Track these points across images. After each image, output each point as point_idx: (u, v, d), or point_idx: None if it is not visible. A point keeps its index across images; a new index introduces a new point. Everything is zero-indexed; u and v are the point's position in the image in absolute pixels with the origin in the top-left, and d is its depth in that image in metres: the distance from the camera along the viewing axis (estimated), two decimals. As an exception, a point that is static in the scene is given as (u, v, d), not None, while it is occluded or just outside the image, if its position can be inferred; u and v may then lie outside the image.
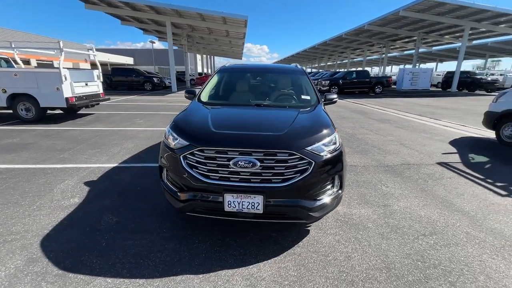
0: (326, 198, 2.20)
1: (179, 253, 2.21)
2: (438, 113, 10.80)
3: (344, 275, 2.00)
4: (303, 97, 3.37)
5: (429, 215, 2.88)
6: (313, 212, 2.14)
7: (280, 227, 2.59)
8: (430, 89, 26.67)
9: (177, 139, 2.30)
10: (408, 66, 41.33)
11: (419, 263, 2.14)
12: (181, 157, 2.17)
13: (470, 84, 24.53)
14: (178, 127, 2.42)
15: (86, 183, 3.53)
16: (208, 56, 45.58)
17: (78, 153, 4.79)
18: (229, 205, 2.06)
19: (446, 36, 27.59)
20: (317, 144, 2.15)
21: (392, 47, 34.77)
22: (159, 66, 46.27)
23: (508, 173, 4.23)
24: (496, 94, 6.61)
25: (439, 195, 3.39)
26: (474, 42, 30.43)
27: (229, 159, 2.05)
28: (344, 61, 57.83)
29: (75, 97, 7.54)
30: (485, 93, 23.41)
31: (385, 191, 3.48)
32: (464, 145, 5.88)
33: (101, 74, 9.01)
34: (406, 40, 31.24)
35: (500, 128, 6.14)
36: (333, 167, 2.20)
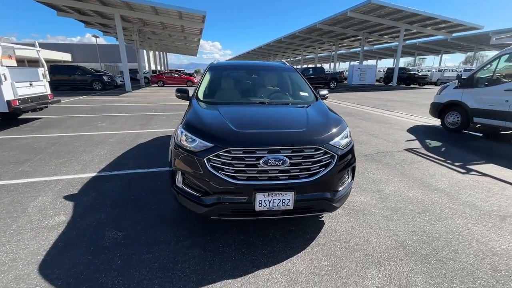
0: (344, 189, 2.33)
1: (208, 259, 2.12)
2: (389, 105, 12.10)
3: (370, 257, 2.16)
4: (301, 93, 3.47)
5: (416, 196, 3.27)
6: (336, 203, 2.26)
7: (296, 221, 2.66)
8: (375, 83, 29.60)
9: (195, 141, 2.18)
10: (353, 63, 45.21)
11: (424, 237, 2.43)
12: (205, 159, 2.07)
13: (406, 79, 27.96)
14: (195, 128, 2.28)
15: (67, 198, 3.10)
16: (160, 52, 43.03)
17: (40, 165, 4.14)
18: (260, 205, 2.04)
19: (385, 36, 30.85)
20: (337, 138, 2.26)
21: (340, 45, 37.50)
22: (105, 63, 42.00)
23: (459, 154, 5.00)
24: (434, 87, 7.70)
25: (417, 177, 3.85)
26: (407, 42, 34.62)
27: (258, 158, 2.03)
28: (297, 58, 60.35)
29: (19, 99, 6.46)
30: (418, 86, 26.94)
31: (373, 178, 3.81)
32: (419, 132, 6.73)
33: (47, 72, 7.87)
34: (353, 39, 34.02)
35: (444, 116, 7.19)
36: (350, 159, 2.34)
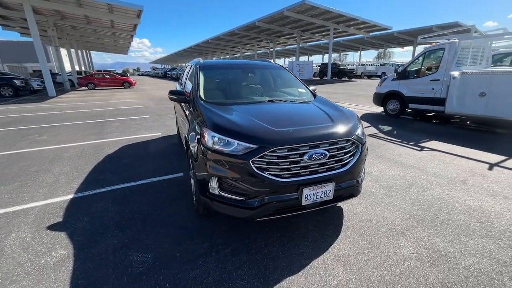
0: (364, 173, 2.60)
1: (259, 262, 2.10)
2: (333, 97, 13.40)
3: (394, 230, 2.48)
4: (299, 90, 3.61)
5: (398, 173, 3.82)
6: (360, 187, 2.50)
7: (319, 211, 2.82)
8: (312, 78, 32.20)
9: (232, 143, 2.10)
10: (289, 59, 48.09)
11: (422, 206, 2.90)
12: (250, 162, 2.02)
13: (338, 73, 31.27)
14: (228, 130, 2.18)
15: (53, 228, 2.57)
16: (83, 51, 37.50)
17: (-14, 195, 3.28)
18: (306, 199, 2.12)
19: (317, 35, 33.73)
20: (358, 130, 2.48)
21: (277, 42, 39.36)
22: (7, 63, 34.27)
23: (407, 135, 5.98)
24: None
25: (389, 157, 4.48)
26: (334, 40, 38.56)
27: (301, 155, 2.10)
28: (236, 55, 60.78)
29: None
30: (347, 79, 30.46)
31: (357, 162, 4.27)
32: (370, 119, 7.73)
33: None
34: (288, 36, 36.15)
35: (386, 104, 8.42)
36: (366, 147, 2.61)
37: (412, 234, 2.41)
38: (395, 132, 6.29)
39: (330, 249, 2.24)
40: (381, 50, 59.44)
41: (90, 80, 21.33)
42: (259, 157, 2.04)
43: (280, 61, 78.59)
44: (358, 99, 12.41)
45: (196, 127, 2.52)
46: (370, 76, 33.88)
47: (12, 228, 2.58)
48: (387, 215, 2.73)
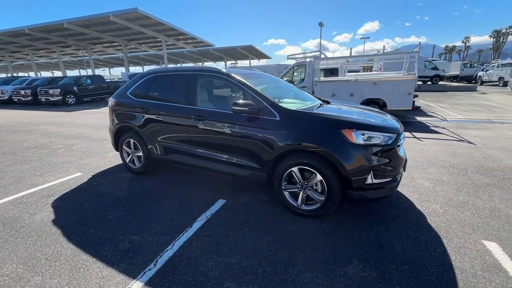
0: None
1: (408, 224, 2.69)
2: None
3: (418, 171, 3.90)
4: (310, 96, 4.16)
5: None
6: None
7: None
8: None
9: (379, 136, 2.55)
10: (122, 71, 41.94)
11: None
12: (397, 147, 2.60)
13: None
14: (374, 126, 2.60)
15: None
16: None
17: None
18: (405, 168, 3.01)
19: (143, 46, 32.07)
20: (391, 117, 3.63)
21: (93, 50, 33.11)
22: None
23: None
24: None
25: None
26: (157, 52, 38.30)
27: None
28: (17, 63, 43.91)
29: None
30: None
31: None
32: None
33: None
34: (107, 45, 31.50)
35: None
36: None
37: (427, 171, 3.90)
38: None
39: (418, 204, 3.20)
40: (199, 63, 66.23)
41: None
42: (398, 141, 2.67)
43: (74, 72, 60.98)
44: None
45: (316, 130, 2.62)
46: (202, 87, 37.12)
47: None
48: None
